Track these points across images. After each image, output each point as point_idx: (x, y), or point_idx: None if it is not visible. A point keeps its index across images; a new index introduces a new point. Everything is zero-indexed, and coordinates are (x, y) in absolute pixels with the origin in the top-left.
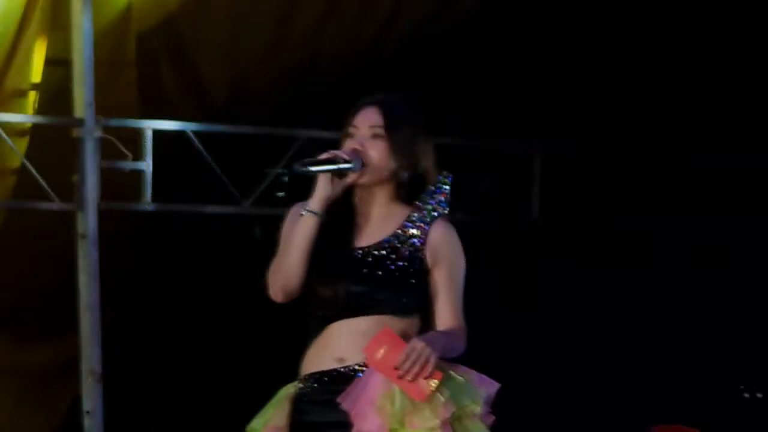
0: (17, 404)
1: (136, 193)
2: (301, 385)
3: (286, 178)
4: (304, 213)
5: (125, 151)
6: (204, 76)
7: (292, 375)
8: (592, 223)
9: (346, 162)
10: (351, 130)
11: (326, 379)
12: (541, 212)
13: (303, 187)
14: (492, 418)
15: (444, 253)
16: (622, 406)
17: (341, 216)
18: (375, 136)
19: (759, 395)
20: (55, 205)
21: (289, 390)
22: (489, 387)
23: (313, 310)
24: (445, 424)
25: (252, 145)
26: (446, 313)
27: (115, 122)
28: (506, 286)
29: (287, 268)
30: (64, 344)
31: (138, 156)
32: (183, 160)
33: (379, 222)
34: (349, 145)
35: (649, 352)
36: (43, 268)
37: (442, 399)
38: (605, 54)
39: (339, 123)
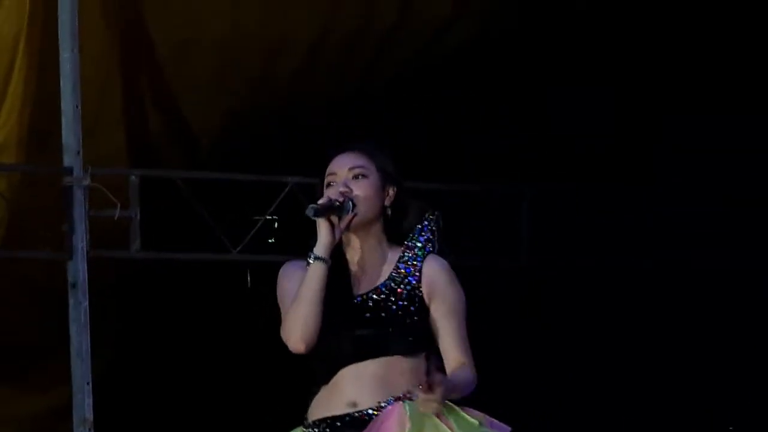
0: None
1: (125, 242)
2: (309, 430)
3: (275, 225)
4: (311, 261)
5: (113, 199)
6: (191, 122)
7: (281, 422)
8: (582, 264)
9: (341, 204)
10: (329, 178)
11: (339, 424)
12: (530, 255)
13: (293, 234)
14: None
15: (440, 287)
16: None
17: (335, 265)
18: (357, 176)
19: (731, 429)
20: (45, 254)
21: None
22: (500, 430)
23: (319, 357)
24: None
25: (241, 191)
26: (453, 351)
27: (103, 170)
28: (497, 330)
29: (304, 318)
30: (57, 393)
31: (126, 204)
32: (171, 208)
33: (373, 267)
34: (331, 192)
35: (635, 390)
36: (34, 317)
37: None
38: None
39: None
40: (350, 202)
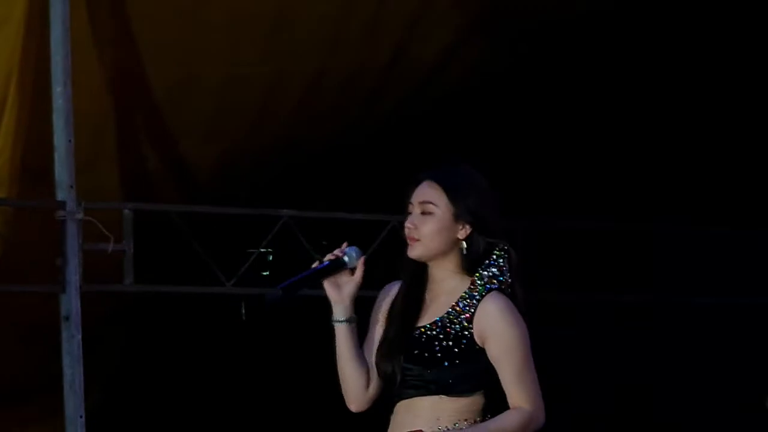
0: None
1: (119, 275)
2: None
3: (270, 257)
4: (333, 324)
5: (107, 233)
6: (187, 157)
7: None
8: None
9: (335, 264)
10: (409, 207)
11: None
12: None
13: (288, 266)
14: None
15: (492, 328)
16: None
17: (410, 294)
18: (424, 213)
19: None
20: (38, 287)
21: None
22: None
23: (385, 386)
24: None
25: (235, 224)
26: (509, 392)
27: (96, 204)
28: None
29: (347, 385)
30: (50, 426)
31: (120, 237)
32: (165, 241)
33: (440, 299)
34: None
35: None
36: (27, 350)
37: None
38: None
39: (323, 201)
40: (353, 253)
